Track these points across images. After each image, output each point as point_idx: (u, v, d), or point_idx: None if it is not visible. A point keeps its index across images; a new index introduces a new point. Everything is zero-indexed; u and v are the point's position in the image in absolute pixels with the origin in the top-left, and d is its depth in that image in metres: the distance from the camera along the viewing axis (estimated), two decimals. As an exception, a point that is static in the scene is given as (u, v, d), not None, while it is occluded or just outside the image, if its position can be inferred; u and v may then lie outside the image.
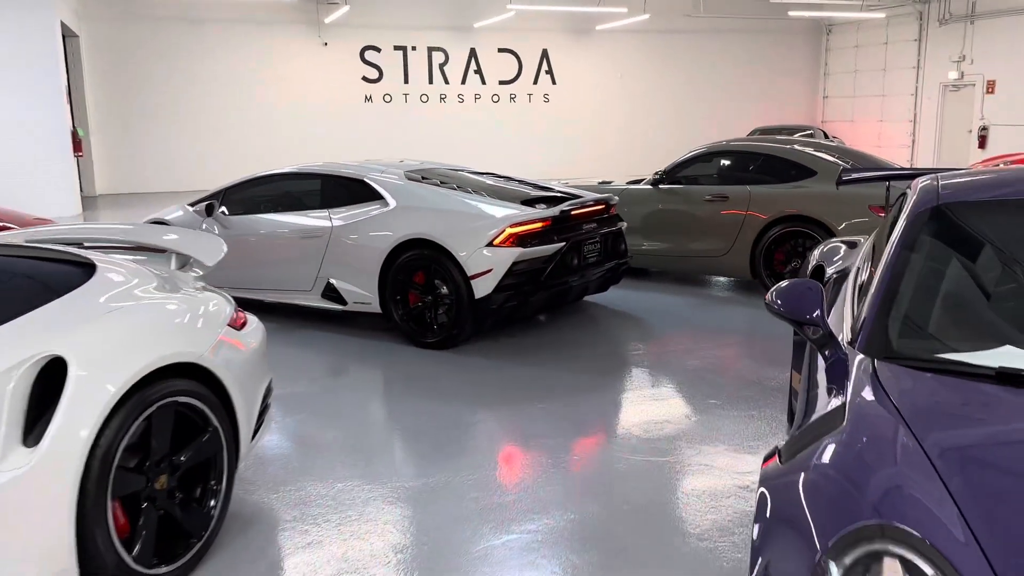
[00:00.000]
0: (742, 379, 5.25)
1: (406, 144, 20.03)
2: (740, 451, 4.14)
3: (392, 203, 6.20)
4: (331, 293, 6.38)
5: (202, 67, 19.01)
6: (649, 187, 7.96)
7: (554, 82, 21.80)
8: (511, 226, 5.68)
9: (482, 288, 5.66)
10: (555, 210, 5.94)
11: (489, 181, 6.89)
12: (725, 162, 7.85)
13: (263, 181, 7.10)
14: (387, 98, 20.29)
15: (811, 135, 18.19)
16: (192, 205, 7.16)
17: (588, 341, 6.21)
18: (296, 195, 7.00)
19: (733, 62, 23.05)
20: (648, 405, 4.84)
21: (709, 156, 7.94)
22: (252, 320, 3.62)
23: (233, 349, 3.26)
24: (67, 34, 16.50)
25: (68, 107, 15.01)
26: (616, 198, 6.64)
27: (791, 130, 17.94)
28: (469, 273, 5.65)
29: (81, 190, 18.30)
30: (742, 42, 22.96)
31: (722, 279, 8.32)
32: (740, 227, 7.28)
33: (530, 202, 6.22)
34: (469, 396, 5.06)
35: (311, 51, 19.75)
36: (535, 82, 21.66)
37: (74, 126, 15.27)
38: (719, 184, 7.61)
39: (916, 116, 21.36)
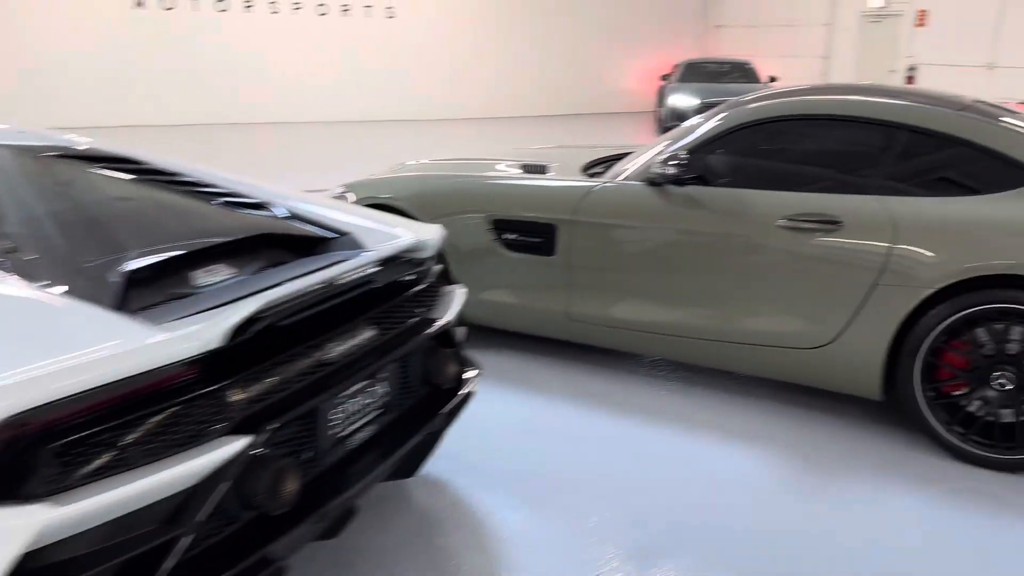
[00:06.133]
0: None
1: (193, 76, 14.61)
2: None
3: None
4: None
5: None
6: (639, 187, 3.67)
7: (400, -8, 16.85)
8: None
9: None
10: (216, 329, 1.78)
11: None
12: (820, 140, 3.58)
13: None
14: (167, 5, 14.64)
15: (748, 72, 14.55)
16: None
17: None
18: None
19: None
20: None
21: (779, 124, 3.58)
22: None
23: None
24: None
25: None
26: (434, 236, 2.54)
27: (719, 63, 14.12)
28: None
29: None
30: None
31: (804, 390, 3.74)
32: (869, 291, 3.20)
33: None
34: None
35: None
36: (375, -9, 16.62)
37: None
38: (809, 190, 3.44)
39: (829, 51, 18.22)
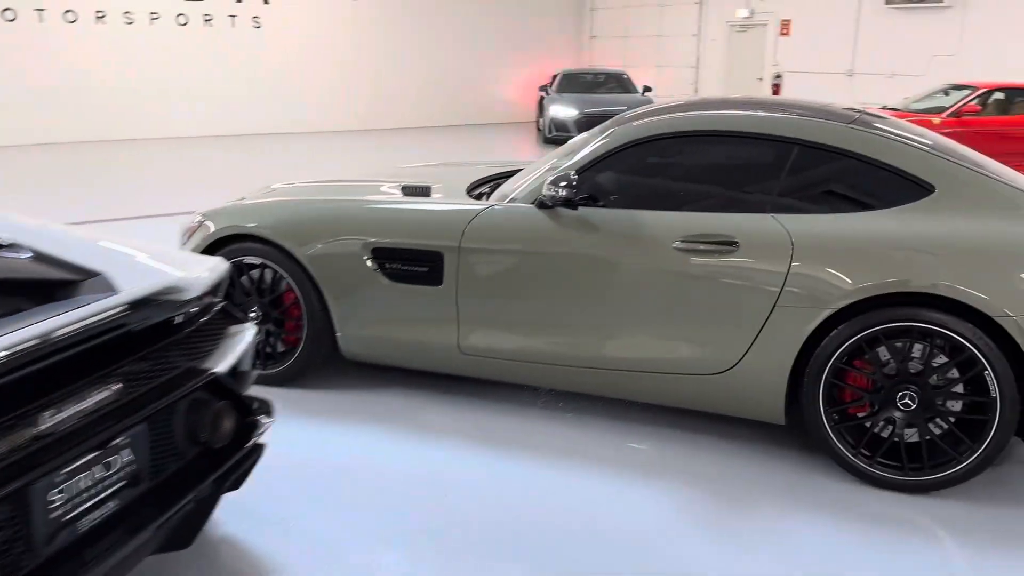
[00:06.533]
0: None
1: (37, 92, 13.50)
2: None
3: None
4: None
5: None
6: (528, 210, 3.46)
7: (267, 0, 16.15)
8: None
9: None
10: None
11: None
12: (712, 157, 3.45)
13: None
14: (8, 14, 13.49)
15: (625, 82, 14.70)
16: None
17: None
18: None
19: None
20: None
21: (670, 141, 3.42)
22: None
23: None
24: None
25: None
26: (208, 273, 2.36)
27: (596, 73, 14.22)
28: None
29: None
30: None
31: (705, 416, 3.47)
32: (768, 314, 3.08)
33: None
34: None
35: None
36: None
37: None
38: (704, 209, 3.30)
39: (699, 61, 18.71)
